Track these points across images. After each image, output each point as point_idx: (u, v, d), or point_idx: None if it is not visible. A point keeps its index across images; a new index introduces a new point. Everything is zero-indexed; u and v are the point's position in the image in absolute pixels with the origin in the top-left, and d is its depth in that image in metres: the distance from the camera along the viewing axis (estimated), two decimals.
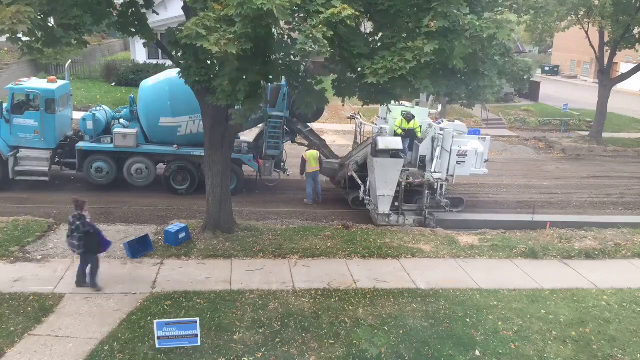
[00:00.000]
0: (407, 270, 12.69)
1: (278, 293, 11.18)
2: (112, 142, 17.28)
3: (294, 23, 8.94)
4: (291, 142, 19.42)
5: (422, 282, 12.08)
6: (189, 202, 17.07)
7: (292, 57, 10.11)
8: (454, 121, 18.38)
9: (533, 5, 24.97)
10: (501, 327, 10.36)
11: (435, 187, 16.33)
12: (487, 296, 11.57)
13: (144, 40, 12.55)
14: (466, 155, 16.70)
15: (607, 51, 28.51)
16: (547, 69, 60.86)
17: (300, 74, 11.23)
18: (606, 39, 28.26)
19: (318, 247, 13.61)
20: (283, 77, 11.55)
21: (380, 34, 10.63)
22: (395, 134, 17.10)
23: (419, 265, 12.99)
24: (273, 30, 9.55)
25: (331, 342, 9.59)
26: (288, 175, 19.61)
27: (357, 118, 20.12)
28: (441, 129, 16.75)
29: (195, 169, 17.72)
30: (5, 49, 30.91)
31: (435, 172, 16.23)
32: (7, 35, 8.94)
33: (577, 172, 23.76)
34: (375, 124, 19.04)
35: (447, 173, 16.61)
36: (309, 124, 18.89)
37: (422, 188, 16.36)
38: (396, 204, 16.15)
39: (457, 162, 16.63)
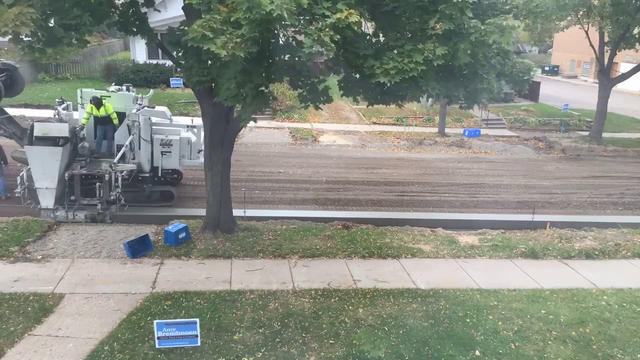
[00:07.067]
0: (407, 270, 12.69)
1: (278, 293, 11.18)
2: None
3: (300, 26, 8.94)
4: None
5: (422, 282, 12.08)
6: (189, 202, 17.07)
7: (297, 58, 10.12)
8: (154, 107, 16.73)
9: (532, 9, 25.04)
10: (501, 327, 10.36)
11: (107, 179, 14.73)
12: (487, 296, 11.57)
13: (145, 40, 12.55)
14: (171, 145, 15.58)
15: (607, 51, 28.51)
16: (547, 69, 60.85)
17: (304, 74, 11.24)
18: (606, 39, 28.27)
19: (318, 247, 13.61)
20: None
21: (382, 34, 10.63)
22: (99, 121, 15.61)
23: (419, 265, 12.99)
24: (278, 32, 9.55)
25: (331, 342, 9.59)
26: None
27: (61, 104, 16.09)
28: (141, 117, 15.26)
29: None
30: (5, 49, 30.90)
31: (122, 162, 14.86)
32: (10, 36, 8.95)
33: (577, 172, 23.76)
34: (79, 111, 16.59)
35: (152, 164, 15.58)
36: (6, 110, 15.93)
37: (102, 180, 14.81)
38: (73, 197, 14.80)
39: (162, 153, 15.55)
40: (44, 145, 14.30)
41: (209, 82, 11.01)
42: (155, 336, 8.87)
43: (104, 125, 15.81)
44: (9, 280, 11.16)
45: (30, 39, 10.20)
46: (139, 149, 15.46)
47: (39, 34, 10.23)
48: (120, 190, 14.88)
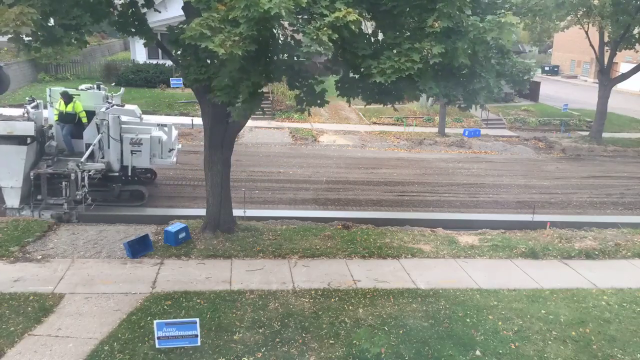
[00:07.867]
0: (407, 270, 12.68)
1: (278, 293, 11.18)
2: None
3: (298, 25, 8.94)
4: None
5: (422, 282, 12.08)
6: (189, 202, 17.08)
7: (295, 58, 10.11)
8: (124, 106, 16.35)
9: (532, 7, 24.98)
10: (501, 327, 10.36)
11: (73, 178, 14.61)
12: (487, 296, 11.57)
13: (144, 40, 12.56)
14: (141, 144, 15.44)
15: (607, 51, 28.51)
16: (547, 69, 60.88)
17: (302, 74, 11.24)
18: (606, 39, 28.27)
19: (318, 247, 13.61)
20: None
21: (381, 34, 10.62)
22: (62, 118, 15.50)
23: (419, 265, 12.99)
24: (276, 31, 9.54)
25: (331, 342, 9.59)
26: None
27: (31, 102, 15.67)
28: (113, 115, 15.15)
29: None
30: (5, 48, 30.95)
31: (91, 161, 14.79)
32: (9, 36, 8.96)
33: (577, 172, 23.77)
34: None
35: (122, 163, 15.45)
36: None
37: (69, 179, 14.70)
38: (39, 196, 14.73)
39: (132, 152, 15.39)
40: (9, 144, 14.26)
41: (206, 80, 10.99)
42: (155, 336, 8.87)
43: (66, 122, 15.62)
44: (9, 280, 11.15)
45: (30, 38, 10.22)
46: (108, 147, 15.32)
47: (38, 33, 10.24)
48: (87, 190, 14.75)
